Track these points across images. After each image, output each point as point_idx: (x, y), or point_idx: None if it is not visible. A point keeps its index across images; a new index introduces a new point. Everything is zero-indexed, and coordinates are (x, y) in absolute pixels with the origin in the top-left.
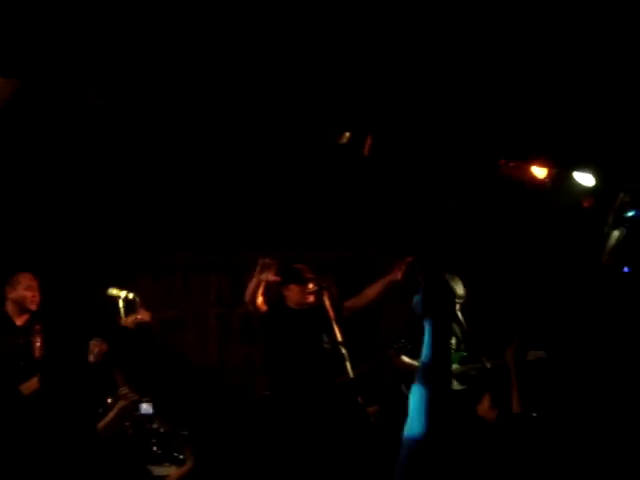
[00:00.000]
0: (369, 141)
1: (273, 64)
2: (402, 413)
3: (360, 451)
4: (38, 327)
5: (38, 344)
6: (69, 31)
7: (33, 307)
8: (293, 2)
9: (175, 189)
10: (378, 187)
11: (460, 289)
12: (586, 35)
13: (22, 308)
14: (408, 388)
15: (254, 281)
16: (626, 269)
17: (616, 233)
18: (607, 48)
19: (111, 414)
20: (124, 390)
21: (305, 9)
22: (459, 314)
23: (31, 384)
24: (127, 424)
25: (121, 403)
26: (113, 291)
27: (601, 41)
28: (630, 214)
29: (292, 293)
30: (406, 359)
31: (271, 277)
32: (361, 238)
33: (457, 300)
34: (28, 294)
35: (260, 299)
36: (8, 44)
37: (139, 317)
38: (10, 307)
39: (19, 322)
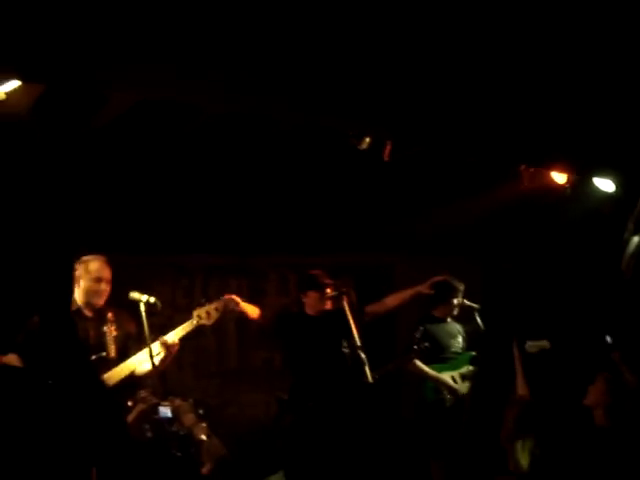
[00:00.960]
0: (389, 146)
1: (292, 68)
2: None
3: (378, 453)
4: (110, 315)
5: (113, 334)
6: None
7: (100, 302)
8: (313, 4)
9: (195, 192)
10: (397, 192)
11: (461, 285)
12: (608, 40)
13: (89, 300)
14: None
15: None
16: None
17: (636, 239)
18: (630, 54)
19: (130, 417)
20: (143, 393)
21: (323, 11)
22: (477, 318)
23: (114, 374)
24: (146, 427)
25: (140, 406)
26: (135, 295)
27: (623, 47)
28: None
29: (310, 299)
30: (418, 364)
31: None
32: (377, 242)
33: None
34: (95, 287)
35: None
36: (32, 49)
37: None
38: (78, 295)
39: (88, 312)
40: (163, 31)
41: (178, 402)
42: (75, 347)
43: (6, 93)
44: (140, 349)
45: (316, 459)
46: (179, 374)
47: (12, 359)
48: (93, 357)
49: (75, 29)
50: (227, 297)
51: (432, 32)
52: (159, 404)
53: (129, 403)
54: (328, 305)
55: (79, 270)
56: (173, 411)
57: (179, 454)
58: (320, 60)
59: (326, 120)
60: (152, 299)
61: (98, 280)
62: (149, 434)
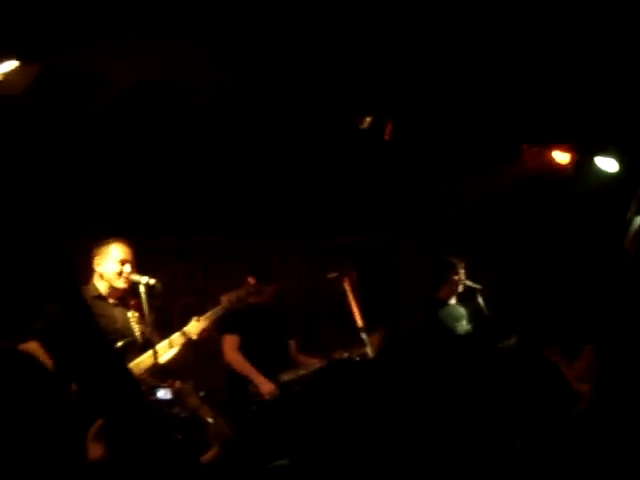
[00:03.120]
0: (390, 126)
1: (294, 46)
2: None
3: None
4: (134, 302)
5: (136, 319)
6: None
7: (124, 286)
8: None
9: (195, 174)
10: (397, 172)
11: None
12: (613, 19)
13: (114, 284)
14: None
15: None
16: None
17: (639, 219)
18: (634, 33)
19: None
20: (143, 375)
21: None
22: (479, 299)
23: (141, 363)
24: None
25: None
26: (134, 277)
27: (627, 26)
28: None
29: None
30: None
31: None
32: (380, 223)
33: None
34: (120, 270)
35: None
36: (30, 29)
37: None
38: (99, 281)
39: (111, 297)
40: (163, 9)
41: (179, 384)
42: (96, 335)
43: (3, 74)
44: (161, 335)
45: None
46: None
47: (33, 346)
48: (121, 343)
49: (73, 8)
50: (251, 280)
51: (435, 10)
52: (158, 386)
53: None
54: None
55: (101, 255)
56: (174, 393)
57: (180, 437)
58: (322, 38)
59: (328, 99)
60: (152, 281)
61: (123, 263)
62: None
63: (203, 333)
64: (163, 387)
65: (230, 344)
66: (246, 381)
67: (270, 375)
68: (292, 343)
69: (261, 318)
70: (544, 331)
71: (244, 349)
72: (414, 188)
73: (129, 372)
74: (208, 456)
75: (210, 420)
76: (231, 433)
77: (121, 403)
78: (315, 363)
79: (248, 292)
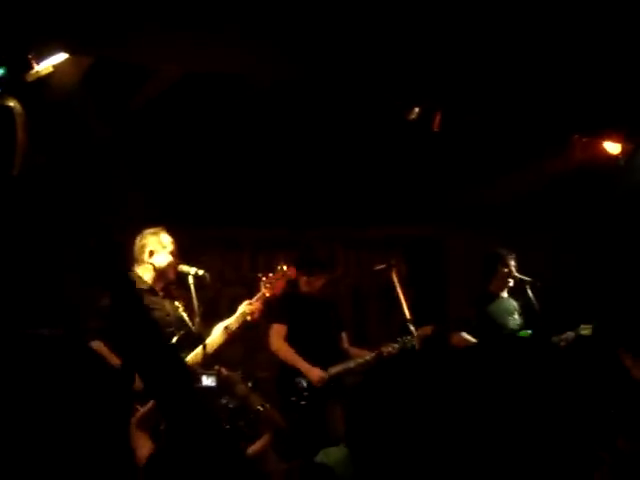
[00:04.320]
0: (438, 117)
1: (342, 38)
2: None
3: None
4: (179, 294)
5: (182, 309)
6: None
7: (174, 277)
8: None
9: (244, 165)
10: (446, 164)
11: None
12: None
13: (165, 275)
14: None
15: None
16: None
17: None
18: None
19: None
20: (195, 367)
21: None
22: (529, 292)
23: (195, 356)
24: None
25: None
26: (183, 267)
27: None
28: None
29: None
30: (464, 336)
31: None
32: (427, 215)
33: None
34: (172, 261)
35: None
36: (80, 22)
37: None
38: (147, 273)
39: (159, 289)
40: (211, 3)
41: (225, 372)
42: (152, 329)
43: (54, 66)
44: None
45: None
46: (228, 348)
47: (96, 345)
48: (177, 336)
49: (122, 1)
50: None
51: (481, 2)
52: (204, 373)
53: None
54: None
55: (151, 245)
56: (220, 381)
57: (228, 427)
58: (369, 30)
59: (376, 90)
60: (201, 272)
61: (173, 253)
62: None
63: (256, 314)
64: (209, 374)
65: (277, 333)
66: (294, 375)
67: (321, 368)
68: (344, 336)
69: (310, 309)
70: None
71: (293, 341)
72: (463, 179)
73: (186, 366)
74: (257, 446)
75: (260, 408)
76: (282, 422)
77: (177, 396)
78: (364, 356)
79: (283, 278)
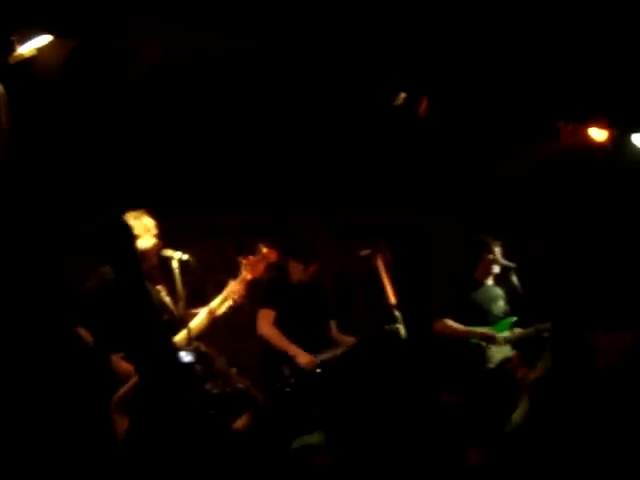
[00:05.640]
0: (425, 102)
1: (327, 23)
2: None
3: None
4: (161, 278)
5: (166, 296)
6: None
7: (155, 261)
8: None
9: (228, 150)
10: (431, 150)
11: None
12: None
13: (149, 258)
14: None
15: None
16: None
17: None
18: None
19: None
20: None
21: None
22: (513, 278)
23: (177, 340)
24: None
25: None
26: (167, 252)
27: None
28: None
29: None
30: (448, 322)
31: None
32: (412, 204)
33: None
34: (156, 244)
35: None
36: (63, 4)
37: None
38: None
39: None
40: None
41: (203, 347)
42: (149, 309)
43: (37, 49)
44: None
45: (354, 416)
46: (214, 335)
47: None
48: (165, 318)
49: None
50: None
51: None
52: (182, 349)
53: None
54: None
55: (134, 228)
56: (199, 357)
57: (212, 413)
58: (355, 14)
59: (362, 76)
60: (185, 256)
61: (157, 237)
62: None
63: (238, 297)
64: (188, 350)
65: (265, 318)
66: (279, 361)
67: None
68: (333, 323)
69: (299, 296)
70: (581, 314)
71: (282, 326)
72: (447, 167)
73: (174, 346)
74: (240, 423)
75: (241, 386)
76: (264, 399)
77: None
78: (351, 342)
79: (264, 260)
